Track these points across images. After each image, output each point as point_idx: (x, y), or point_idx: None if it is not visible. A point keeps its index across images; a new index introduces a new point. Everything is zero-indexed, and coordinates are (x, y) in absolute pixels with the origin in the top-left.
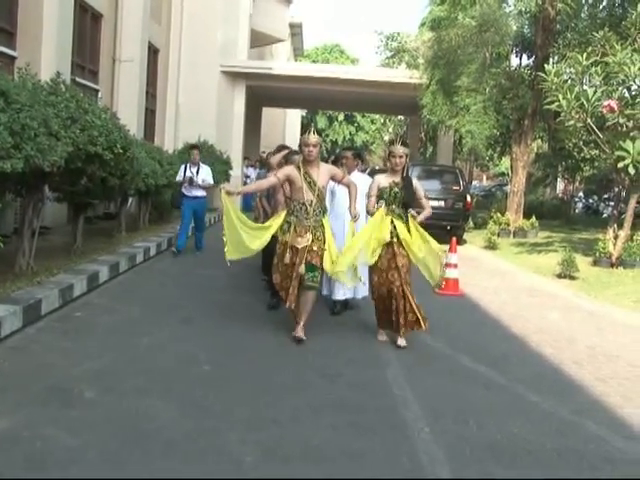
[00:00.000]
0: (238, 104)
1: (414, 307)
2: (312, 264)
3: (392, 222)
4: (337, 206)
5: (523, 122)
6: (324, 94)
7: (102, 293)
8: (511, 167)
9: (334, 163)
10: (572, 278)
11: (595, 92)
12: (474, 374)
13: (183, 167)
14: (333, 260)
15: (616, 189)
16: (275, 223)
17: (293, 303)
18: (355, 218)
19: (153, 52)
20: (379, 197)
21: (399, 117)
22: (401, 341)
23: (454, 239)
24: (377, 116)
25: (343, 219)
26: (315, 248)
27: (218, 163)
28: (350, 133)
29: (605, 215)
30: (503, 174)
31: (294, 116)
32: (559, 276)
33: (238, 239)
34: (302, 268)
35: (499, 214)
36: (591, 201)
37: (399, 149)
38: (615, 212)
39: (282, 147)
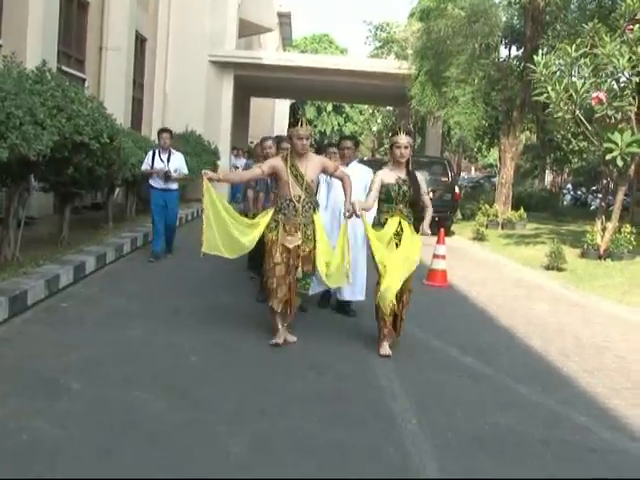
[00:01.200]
0: (226, 94)
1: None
2: (304, 272)
3: (399, 223)
4: (333, 201)
5: (512, 113)
6: (313, 84)
7: (89, 284)
8: (499, 159)
9: (318, 153)
10: (560, 270)
11: (584, 84)
12: (462, 366)
13: (151, 154)
14: (327, 261)
15: (604, 181)
16: (263, 221)
17: (279, 309)
18: (349, 214)
19: (140, 41)
20: (383, 194)
21: (388, 108)
22: (387, 348)
23: (442, 230)
24: (366, 107)
25: (339, 215)
26: (307, 250)
27: (206, 153)
28: (339, 124)
29: (593, 207)
30: (492, 165)
31: (283, 106)
32: (547, 268)
33: (225, 230)
34: (298, 273)
35: (487, 206)
36: (579, 193)
37: (403, 139)
38: (603, 204)
39: (265, 139)
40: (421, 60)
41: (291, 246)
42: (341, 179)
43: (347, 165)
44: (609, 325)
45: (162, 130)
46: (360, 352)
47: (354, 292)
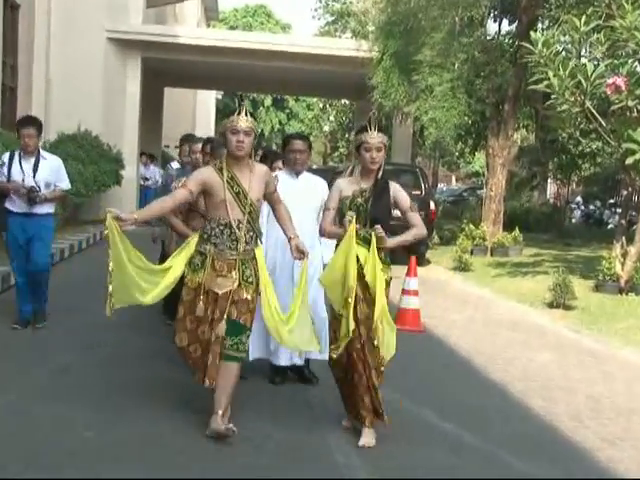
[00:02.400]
0: (132, 83)
1: (377, 386)
2: (237, 322)
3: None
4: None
5: (503, 107)
6: (246, 71)
7: None
8: (487, 165)
9: (262, 161)
10: (568, 308)
11: (596, 67)
12: (440, 434)
13: (7, 159)
14: (273, 310)
15: (624, 192)
16: (179, 259)
17: (213, 380)
18: (298, 254)
19: (10, 7)
20: (338, 212)
21: (343, 102)
22: (367, 437)
23: (413, 259)
24: (315, 100)
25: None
26: (244, 296)
27: (105, 161)
28: (280, 122)
29: (610, 226)
30: (477, 174)
31: (207, 100)
32: (550, 305)
33: (131, 282)
34: (222, 327)
35: (472, 226)
36: (592, 208)
37: (375, 137)
38: (623, 222)
39: (187, 137)
40: (385, 39)
41: (221, 292)
42: (275, 204)
43: (297, 175)
44: (634, 380)
45: (22, 122)
46: (309, 420)
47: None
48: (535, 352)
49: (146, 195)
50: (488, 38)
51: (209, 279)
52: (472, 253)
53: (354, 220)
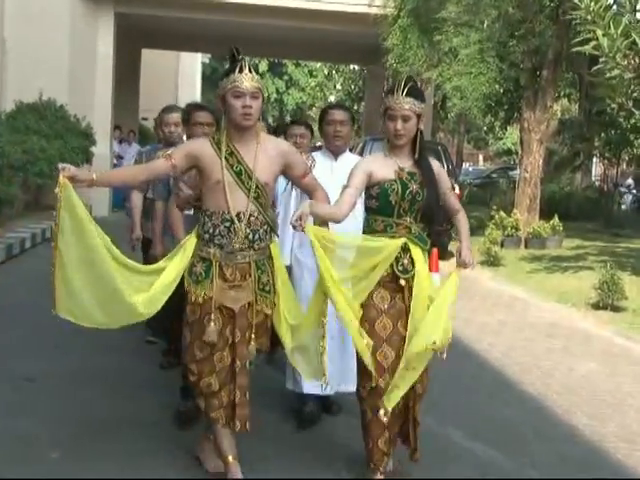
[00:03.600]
0: (104, 43)
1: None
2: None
3: (406, 249)
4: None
5: (540, 73)
6: (238, 30)
7: None
8: (521, 142)
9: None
10: (616, 309)
11: None
12: (468, 456)
13: None
14: (282, 318)
15: None
16: (175, 263)
17: (246, 422)
18: (296, 221)
19: None
20: (374, 198)
21: (352, 67)
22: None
23: (435, 251)
24: (318, 65)
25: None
26: (263, 313)
27: (73, 135)
28: (278, 90)
29: None
30: (509, 152)
31: (191, 64)
32: (596, 306)
33: (97, 276)
34: (252, 349)
35: (503, 213)
36: None
37: (403, 102)
38: None
39: (169, 109)
40: None
41: (237, 306)
42: (311, 191)
43: (336, 157)
44: None
45: None
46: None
47: (345, 378)
48: (578, 361)
49: None
50: None
51: (220, 292)
52: (503, 245)
53: (380, 217)
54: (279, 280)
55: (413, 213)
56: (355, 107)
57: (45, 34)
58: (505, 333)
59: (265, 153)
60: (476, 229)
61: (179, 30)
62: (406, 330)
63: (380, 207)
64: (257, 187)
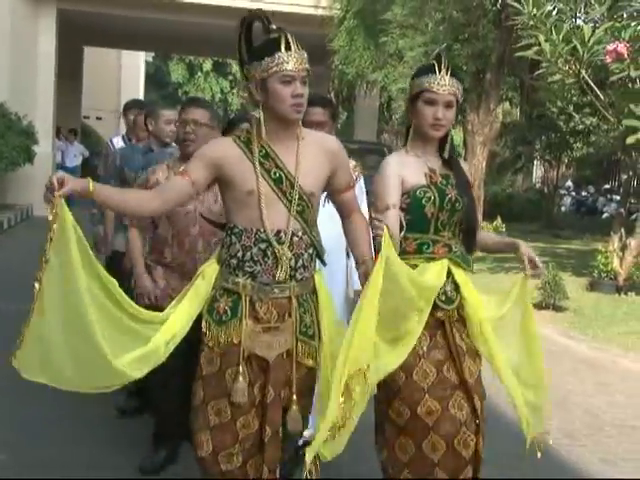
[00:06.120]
0: (45, 40)
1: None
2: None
3: (448, 273)
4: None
5: (484, 77)
6: (182, 29)
7: None
8: (465, 144)
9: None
10: (558, 309)
11: (594, 30)
12: None
13: None
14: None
15: (624, 176)
16: (185, 305)
17: None
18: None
19: None
20: (402, 211)
21: None
22: None
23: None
24: None
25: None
26: (304, 362)
27: (13, 134)
28: (222, 90)
29: (606, 215)
30: None
31: (135, 63)
32: (539, 306)
33: (79, 328)
34: (294, 415)
35: None
36: (584, 194)
37: (447, 84)
38: (622, 210)
39: (136, 103)
40: None
41: (272, 356)
42: (348, 212)
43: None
44: (636, 392)
45: None
46: None
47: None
48: None
49: None
50: None
51: (250, 336)
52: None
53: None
54: (325, 320)
55: (452, 226)
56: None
57: None
58: None
59: (309, 153)
60: None
61: (122, 28)
62: (457, 377)
63: (412, 222)
64: (301, 198)
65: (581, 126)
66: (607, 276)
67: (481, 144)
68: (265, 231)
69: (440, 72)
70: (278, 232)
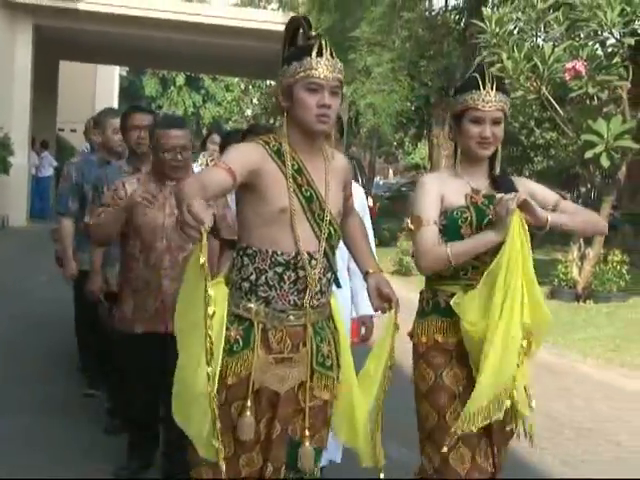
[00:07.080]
0: (22, 54)
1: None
2: (307, 447)
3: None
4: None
5: (449, 92)
6: (155, 45)
7: None
8: (430, 157)
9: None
10: None
11: (554, 49)
12: None
13: None
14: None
15: (582, 189)
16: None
17: None
18: (382, 301)
19: None
20: (440, 232)
21: (268, 82)
22: None
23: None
24: (235, 80)
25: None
26: (320, 396)
27: None
28: (195, 104)
29: None
30: (418, 167)
31: (109, 76)
32: None
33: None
34: (308, 453)
35: None
36: None
37: (493, 100)
38: None
39: (110, 112)
40: (318, 12)
41: (283, 389)
42: (346, 214)
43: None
44: (594, 396)
45: None
46: None
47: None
48: None
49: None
50: (433, 13)
51: (261, 367)
52: (413, 256)
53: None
54: (342, 351)
55: (494, 248)
56: (271, 120)
57: None
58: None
59: (336, 177)
60: (389, 240)
61: (97, 43)
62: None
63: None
64: (330, 223)
65: (541, 140)
66: (567, 285)
67: (446, 157)
68: (298, 255)
69: (485, 87)
70: (310, 255)
